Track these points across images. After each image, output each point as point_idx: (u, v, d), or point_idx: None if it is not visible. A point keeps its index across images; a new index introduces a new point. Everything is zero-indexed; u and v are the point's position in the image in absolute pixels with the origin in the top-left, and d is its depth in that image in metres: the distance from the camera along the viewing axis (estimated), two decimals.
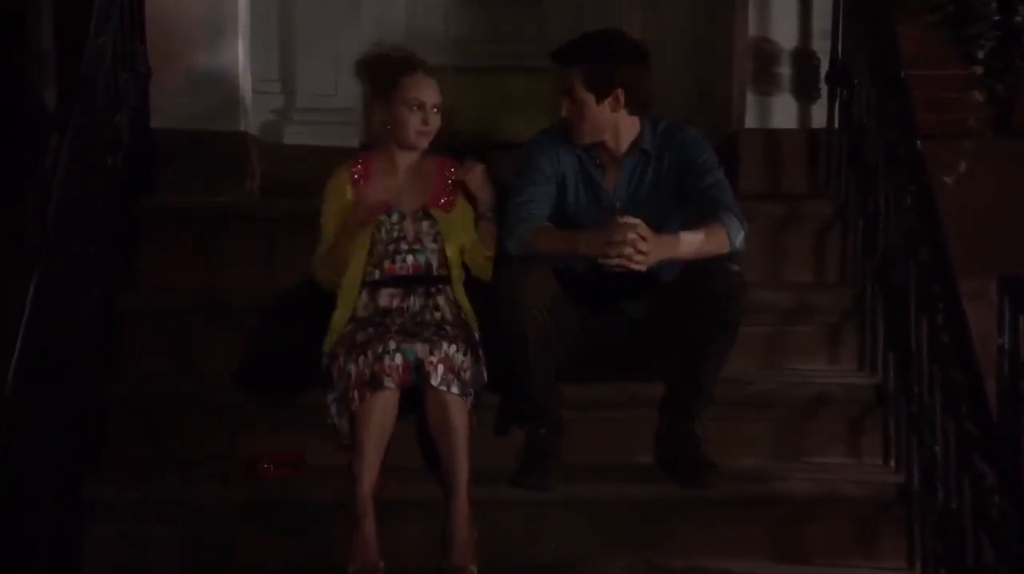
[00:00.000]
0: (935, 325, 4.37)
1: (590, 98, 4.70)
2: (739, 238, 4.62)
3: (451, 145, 4.81)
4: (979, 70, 5.86)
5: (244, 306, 5.03)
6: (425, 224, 4.75)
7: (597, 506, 4.61)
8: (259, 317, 4.88)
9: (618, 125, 4.74)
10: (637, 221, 4.50)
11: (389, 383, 4.40)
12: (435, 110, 4.75)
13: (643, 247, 4.46)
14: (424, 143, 4.76)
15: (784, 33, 5.75)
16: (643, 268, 4.50)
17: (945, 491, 4.31)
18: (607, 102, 4.70)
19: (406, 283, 4.70)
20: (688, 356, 4.61)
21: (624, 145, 4.77)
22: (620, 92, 4.70)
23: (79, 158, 4.58)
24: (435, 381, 4.41)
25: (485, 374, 4.58)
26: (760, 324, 5.05)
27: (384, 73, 4.76)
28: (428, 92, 4.74)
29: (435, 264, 4.72)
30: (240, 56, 5.71)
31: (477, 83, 6.14)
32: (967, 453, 4.07)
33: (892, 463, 4.82)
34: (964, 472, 4.12)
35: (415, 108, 4.72)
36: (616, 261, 4.47)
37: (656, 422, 4.73)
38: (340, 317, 4.67)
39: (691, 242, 4.56)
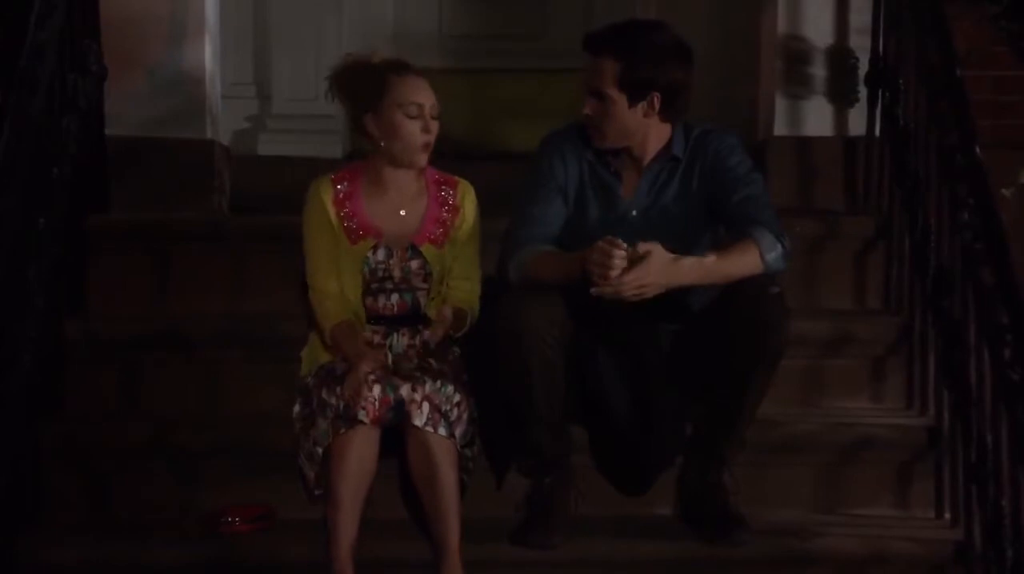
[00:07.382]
0: (1002, 359, 4.19)
1: (621, 99, 4.39)
2: (773, 256, 4.31)
3: (446, 154, 4.56)
4: None
5: (207, 337, 4.90)
6: (414, 264, 4.46)
7: (610, 567, 4.41)
8: (224, 349, 4.81)
9: (647, 132, 4.46)
10: (618, 241, 4.19)
11: (363, 417, 4.17)
12: (434, 115, 4.43)
13: (637, 275, 4.15)
14: (424, 159, 4.45)
15: (818, 29, 5.60)
16: (643, 295, 4.18)
17: (1016, 551, 4.15)
18: (640, 106, 4.41)
19: (389, 322, 4.46)
20: (721, 393, 4.36)
21: (651, 153, 4.50)
22: (656, 96, 4.39)
23: (15, 167, 4.38)
24: (418, 421, 4.21)
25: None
26: (794, 357, 4.73)
27: (369, 79, 4.42)
28: (424, 93, 4.42)
29: (423, 303, 4.46)
30: (207, 56, 5.58)
31: (475, 87, 6.08)
32: None
33: (947, 516, 4.66)
34: None
35: (413, 113, 4.38)
36: (608, 290, 4.16)
37: (678, 469, 4.52)
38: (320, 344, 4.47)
39: (709, 265, 4.25)
